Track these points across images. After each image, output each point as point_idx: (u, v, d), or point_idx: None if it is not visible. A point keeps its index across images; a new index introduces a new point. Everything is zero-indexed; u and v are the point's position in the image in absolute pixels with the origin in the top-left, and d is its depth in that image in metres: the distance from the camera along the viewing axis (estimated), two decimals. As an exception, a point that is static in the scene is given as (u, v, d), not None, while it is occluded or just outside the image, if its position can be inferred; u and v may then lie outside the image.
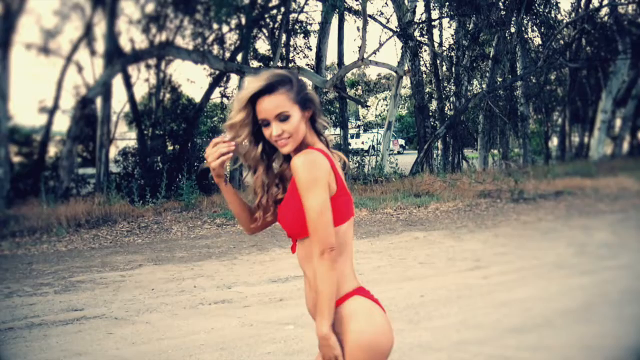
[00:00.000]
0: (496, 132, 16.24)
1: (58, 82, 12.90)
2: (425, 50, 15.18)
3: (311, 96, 2.22)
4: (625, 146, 18.25)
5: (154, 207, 10.64)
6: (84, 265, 7.67)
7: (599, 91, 17.21)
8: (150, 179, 12.12)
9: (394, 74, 14.82)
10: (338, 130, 14.38)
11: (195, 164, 13.20)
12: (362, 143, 18.74)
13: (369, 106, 16.87)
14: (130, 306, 6.00)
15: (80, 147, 13.49)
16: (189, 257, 8.05)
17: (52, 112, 12.87)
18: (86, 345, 5.02)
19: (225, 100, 14.47)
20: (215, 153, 2.20)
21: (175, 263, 7.77)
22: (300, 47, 14.41)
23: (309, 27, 14.21)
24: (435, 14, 15.20)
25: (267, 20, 14.31)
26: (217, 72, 13.80)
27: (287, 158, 2.28)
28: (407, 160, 15.26)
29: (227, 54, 14.10)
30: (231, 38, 14.38)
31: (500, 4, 15.02)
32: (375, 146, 16.06)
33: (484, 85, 15.72)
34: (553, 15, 15.87)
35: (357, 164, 13.86)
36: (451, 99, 15.45)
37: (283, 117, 2.14)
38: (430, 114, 15.35)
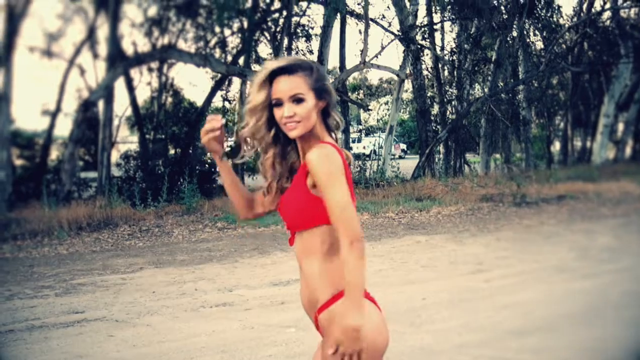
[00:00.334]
0: (498, 136, 16.23)
1: (60, 85, 12.93)
2: (427, 54, 15.18)
3: (328, 88, 2.21)
4: (628, 150, 18.22)
5: (156, 211, 10.63)
6: (85, 268, 7.66)
7: (601, 95, 17.19)
8: (152, 182, 12.12)
9: (396, 77, 14.82)
10: (340, 134, 14.36)
11: (197, 167, 13.20)
12: (364, 148, 18.72)
13: (371, 109, 16.85)
14: (131, 309, 5.98)
15: (82, 150, 13.50)
16: (190, 260, 8.03)
17: (54, 115, 12.89)
18: (87, 347, 5.00)
19: (227, 104, 14.49)
20: (204, 130, 2.25)
21: (176, 266, 7.76)
22: (302, 50, 14.42)
23: (310, 30, 14.22)
24: (437, 18, 15.21)
25: (269, 23, 14.33)
26: (219, 75, 13.82)
27: (295, 149, 2.27)
28: (409, 164, 15.25)
29: (229, 58, 14.12)
30: (233, 42, 14.41)
31: (502, 7, 15.03)
32: (377, 151, 16.04)
33: (485, 90, 15.71)
34: (555, 19, 15.87)
35: (359, 168, 13.85)
36: (453, 102, 15.44)
37: (297, 99, 2.14)
38: (432, 118, 15.34)
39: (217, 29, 14.11)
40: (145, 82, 14.22)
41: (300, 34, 14.18)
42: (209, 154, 14.49)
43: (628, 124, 17.72)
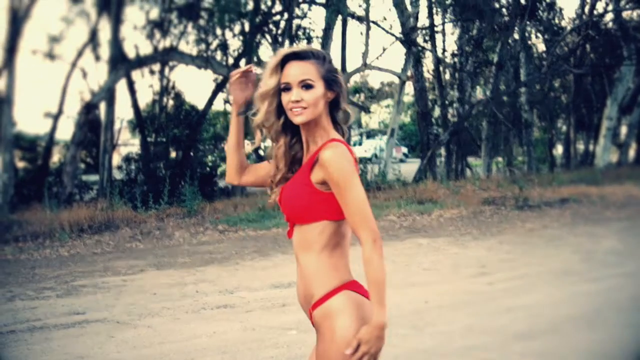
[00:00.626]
0: (500, 139, 16.21)
1: (63, 88, 12.96)
2: (428, 57, 15.17)
3: (339, 80, 2.20)
4: (631, 154, 18.19)
5: (157, 213, 10.61)
6: (86, 270, 7.63)
7: (604, 98, 17.16)
8: (153, 185, 12.11)
9: (397, 80, 14.81)
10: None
11: (198, 170, 13.20)
12: (365, 151, 18.70)
13: (372, 111, 16.84)
14: (132, 310, 5.96)
15: (84, 153, 13.52)
16: (191, 263, 8.01)
17: (56, 117, 12.91)
18: (88, 348, 4.98)
19: (228, 106, 14.48)
20: (234, 72, 2.28)
21: (177, 268, 7.73)
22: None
23: (312, 33, 14.21)
24: (438, 20, 15.22)
25: (271, 26, 14.33)
26: (221, 78, 13.82)
27: (299, 140, 2.25)
28: (410, 168, 15.23)
29: (231, 60, 14.12)
30: (234, 44, 14.43)
31: (504, 10, 15.03)
32: (378, 154, 16.03)
33: (487, 92, 15.70)
34: (557, 22, 15.86)
35: (360, 172, 13.80)
36: (455, 105, 15.42)
37: (306, 85, 2.13)
38: (433, 120, 15.33)
39: (219, 32, 14.13)
40: (147, 84, 14.28)
41: (302, 36, 14.17)
42: (209, 157, 14.61)
43: (631, 127, 17.70)
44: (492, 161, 16.27)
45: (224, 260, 8.12)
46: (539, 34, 16.07)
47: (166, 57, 13.44)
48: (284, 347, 4.96)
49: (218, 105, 14.69)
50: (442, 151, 15.52)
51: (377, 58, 14.00)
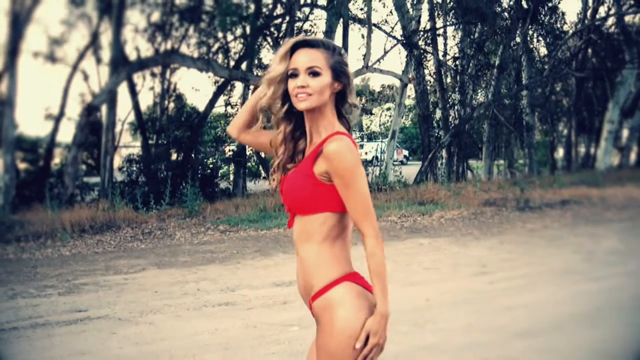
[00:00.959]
0: (501, 141, 16.22)
1: (64, 90, 12.98)
2: (430, 60, 15.19)
3: (348, 72, 2.22)
4: (633, 157, 18.17)
5: (158, 214, 10.62)
6: (88, 269, 7.64)
7: (605, 101, 17.16)
8: (154, 186, 12.13)
9: (398, 83, 14.82)
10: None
11: (199, 171, 13.22)
12: (366, 153, 18.70)
13: (373, 114, 16.86)
14: (134, 308, 5.97)
15: (85, 154, 13.53)
16: (192, 262, 8.02)
17: (58, 119, 12.93)
18: (89, 345, 4.99)
19: (229, 108, 14.50)
20: None
21: (178, 267, 7.74)
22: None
23: (313, 35, 14.23)
24: (440, 23, 15.23)
25: (272, 29, 14.36)
26: (222, 80, 13.84)
27: (303, 130, 2.26)
28: (411, 170, 15.22)
29: (232, 63, 14.15)
30: (236, 47, 14.44)
31: (506, 13, 15.05)
32: (379, 156, 16.02)
33: (489, 95, 15.71)
34: (559, 25, 15.89)
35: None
36: (456, 107, 15.43)
37: (313, 72, 2.14)
38: (435, 123, 15.34)
39: (220, 35, 14.16)
40: (148, 87, 14.29)
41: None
42: (211, 158, 14.63)
43: (633, 130, 17.69)
44: (493, 164, 16.27)
45: (225, 259, 8.12)
46: (540, 38, 16.09)
47: (167, 59, 13.45)
48: (285, 344, 4.97)
49: (219, 108, 14.70)
50: (443, 153, 15.52)
51: (379, 61, 14.00)
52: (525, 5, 15.04)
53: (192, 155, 13.66)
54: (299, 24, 14.17)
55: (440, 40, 15.32)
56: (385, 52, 14.21)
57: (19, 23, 11.73)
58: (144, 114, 14.21)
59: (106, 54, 12.93)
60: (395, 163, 15.33)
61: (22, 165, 12.84)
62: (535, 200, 12.35)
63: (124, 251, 8.81)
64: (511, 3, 15.23)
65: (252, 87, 13.57)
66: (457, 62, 15.34)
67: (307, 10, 14.37)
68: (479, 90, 16.18)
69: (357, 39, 23.66)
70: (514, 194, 12.62)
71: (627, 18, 16.79)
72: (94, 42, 13.16)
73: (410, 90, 15.13)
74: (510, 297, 6.36)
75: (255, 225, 10.08)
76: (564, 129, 18.40)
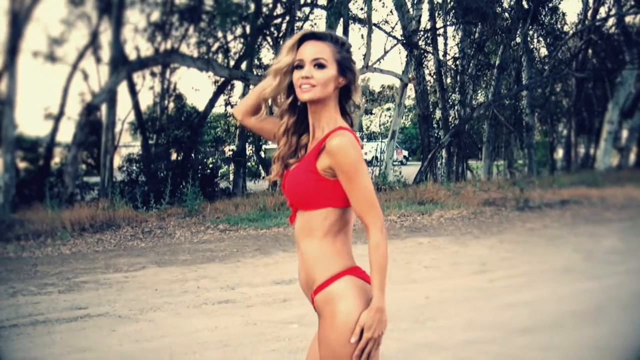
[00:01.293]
0: (501, 141, 16.23)
1: (64, 89, 12.98)
2: (430, 60, 15.20)
3: (354, 69, 2.21)
4: (632, 157, 18.18)
5: (158, 213, 10.63)
6: (88, 267, 7.64)
7: (605, 102, 17.17)
8: (154, 185, 12.13)
9: (398, 83, 14.83)
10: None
11: (200, 168, 13.22)
12: (365, 153, 18.70)
13: (373, 113, 16.86)
14: (134, 305, 5.97)
15: (85, 154, 13.52)
16: (192, 260, 8.02)
17: (57, 118, 12.93)
18: (90, 342, 4.99)
19: (229, 108, 14.50)
20: None
21: (178, 265, 7.74)
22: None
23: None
24: (440, 23, 15.23)
25: (272, 29, 14.37)
26: (222, 80, 13.84)
27: (306, 125, 2.25)
28: (410, 171, 15.23)
29: (232, 62, 14.15)
30: (236, 46, 14.45)
31: (506, 13, 15.06)
32: (379, 156, 16.03)
33: (489, 95, 15.71)
34: (559, 26, 15.90)
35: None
36: (456, 107, 15.43)
37: (319, 64, 2.14)
38: (435, 123, 15.34)
39: (220, 34, 14.16)
40: (148, 86, 14.29)
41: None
42: (211, 158, 14.64)
43: (632, 131, 17.69)
44: (492, 164, 16.27)
45: (225, 258, 8.12)
46: (541, 38, 16.10)
47: (167, 59, 13.46)
48: (285, 341, 4.96)
49: (219, 107, 14.70)
50: (443, 153, 15.53)
51: (379, 60, 14.00)
52: (525, 6, 15.06)
53: (192, 154, 13.66)
54: (299, 23, 14.18)
55: (440, 40, 15.34)
56: (386, 52, 14.23)
57: (18, 22, 11.73)
58: (144, 113, 14.21)
59: (106, 54, 12.95)
60: (395, 163, 15.34)
61: (22, 165, 12.84)
62: (534, 200, 12.35)
63: (124, 250, 8.82)
64: (512, 3, 15.25)
65: (252, 86, 13.60)
66: (457, 62, 15.35)
67: (307, 10, 14.39)
68: (479, 91, 16.19)
69: (357, 39, 23.62)
70: (513, 194, 12.63)
71: (628, 19, 16.81)
72: (93, 41, 13.16)
73: (410, 90, 15.14)
74: (511, 294, 6.36)
75: (255, 224, 10.09)
76: (564, 129, 18.41)
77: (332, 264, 2.15)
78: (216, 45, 14.15)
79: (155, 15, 13.65)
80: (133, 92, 13.59)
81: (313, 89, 2.13)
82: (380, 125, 17.43)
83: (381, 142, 16.03)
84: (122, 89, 13.33)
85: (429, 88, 15.15)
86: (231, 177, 14.34)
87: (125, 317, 5.63)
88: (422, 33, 14.59)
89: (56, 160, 13.21)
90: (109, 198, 11.31)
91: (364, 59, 13.49)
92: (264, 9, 14.17)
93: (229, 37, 14.26)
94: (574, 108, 17.47)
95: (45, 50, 13.00)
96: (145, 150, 13.67)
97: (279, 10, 14.32)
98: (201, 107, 14.25)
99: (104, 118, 12.77)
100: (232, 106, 14.39)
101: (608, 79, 17.05)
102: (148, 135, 13.86)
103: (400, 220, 10.64)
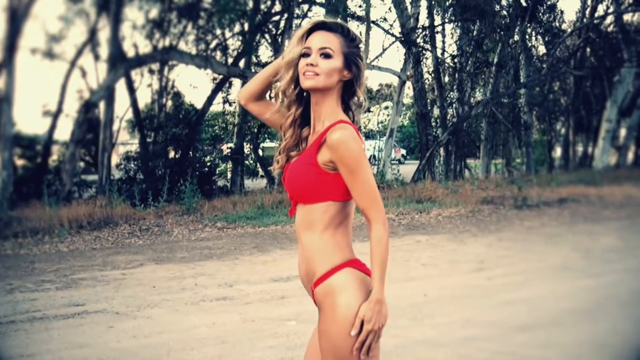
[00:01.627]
0: (499, 139, 16.22)
1: (62, 86, 12.94)
2: (428, 58, 15.18)
3: (360, 64, 2.20)
4: (630, 156, 18.19)
5: (156, 211, 10.61)
6: (86, 264, 7.63)
7: (603, 100, 17.17)
8: (152, 183, 12.11)
9: (396, 81, 14.81)
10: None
11: (197, 166, 13.19)
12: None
13: (371, 111, 16.85)
14: (132, 302, 5.95)
15: (83, 151, 13.49)
16: (190, 258, 8.01)
17: (55, 115, 12.89)
18: (87, 338, 4.98)
19: (227, 106, 14.48)
20: None
21: (176, 263, 7.73)
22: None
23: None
24: (438, 21, 15.21)
25: (270, 26, 14.34)
26: (220, 77, 13.82)
27: (308, 118, 2.24)
28: (408, 169, 15.22)
29: (230, 60, 14.13)
30: (234, 44, 14.42)
31: (504, 11, 15.05)
32: (377, 155, 16.01)
33: (487, 93, 15.71)
34: (557, 24, 15.89)
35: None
36: (454, 105, 15.42)
37: (325, 54, 2.13)
38: (433, 121, 15.33)
39: (218, 31, 14.14)
40: (146, 84, 14.25)
41: (302, 36, 14.14)
42: (209, 156, 14.63)
43: (630, 130, 17.69)
44: (490, 162, 16.26)
45: (223, 255, 8.11)
46: (539, 36, 16.09)
47: (165, 56, 13.42)
48: (283, 337, 4.96)
49: (217, 105, 14.67)
50: (441, 151, 15.51)
51: (377, 58, 14.00)
52: (524, 3, 15.04)
53: (190, 152, 13.63)
54: (297, 21, 14.14)
55: (438, 37, 15.29)
56: (384, 50, 14.20)
57: (16, 19, 11.69)
58: (142, 111, 14.18)
59: (104, 51, 12.90)
60: (393, 162, 15.33)
61: (19, 162, 12.80)
62: (533, 198, 12.35)
63: (121, 247, 8.80)
64: (510, 1, 15.22)
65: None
66: (456, 60, 15.32)
67: (305, 7, 14.35)
68: (477, 89, 16.17)
69: (356, 37, 23.53)
70: (511, 192, 12.63)
71: (626, 17, 16.79)
72: (91, 38, 13.12)
73: (409, 88, 15.12)
74: (509, 292, 6.37)
75: (252, 222, 10.07)
76: (562, 127, 18.41)
77: (332, 257, 2.15)
78: (214, 42, 14.13)
79: (154, 12, 13.62)
80: (131, 90, 13.56)
81: (316, 77, 2.12)
82: (378, 124, 17.41)
83: (379, 140, 16.02)
84: (120, 87, 13.30)
85: (427, 86, 15.13)
86: (229, 175, 14.31)
87: (122, 313, 5.62)
88: (420, 30, 14.56)
89: (54, 157, 13.16)
90: (107, 196, 11.29)
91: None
92: (263, 6, 14.14)
93: (228, 34, 14.24)
94: (572, 106, 17.47)
95: (43, 47, 12.96)
96: (143, 148, 13.64)
97: (278, 7, 14.30)
98: (199, 105, 14.22)
99: (102, 115, 12.74)
100: (230, 104, 14.38)
101: (606, 77, 17.04)
102: (146, 133, 13.83)
103: (398, 219, 10.63)
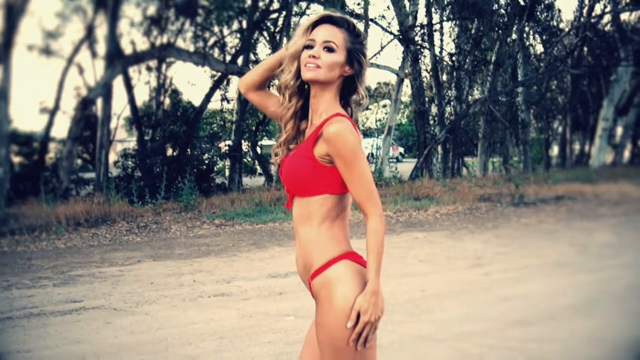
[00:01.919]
0: (497, 137, 16.24)
1: (59, 83, 12.92)
2: (426, 56, 15.18)
3: (363, 61, 2.20)
4: (626, 154, 18.23)
5: (153, 208, 10.61)
6: (83, 261, 7.63)
7: (600, 99, 17.22)
8: (150, 180, 12.10)
9: (394, 79, 14.82)
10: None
11: (195, 163, 13.18)
12: (362, 150, 18.62)
13: (369, 109, 16.85)
14: (129, 298, 5.96)
15: (80, 149, 13.48)
16: (188, 254, 8.01)
17: (52, 112, 12.88)
18: (85, 334, 4.98)
19: (225, 103, 14.46)
20: None
21: (174, 259, 7.73)
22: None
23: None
24: (436, 19, 15.21)
25: (268, 23, 14.34)
26: (218, 74, 13.81)
27: (307, 111, 2.25)
28: (406, 167, 15.24)
29: (228, 57, 14.12)
30: (232, 41, 14.41)
31: (502, 10, 15.06)
32: (375, 153, 16.03)
33: (484, 92, 15.72)
34: (555, 23, 15.90)
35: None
36: (452, 103, 15.44)
37: (328, 48, 2.14)
38: (431, 118, 15.34)
39: (216, 29, 14.13)
40: (143, 81, 14.24)
41: (300, 34, 14.14)
42: (206, 153, 14.63)
43: (627, 128, 17.75)
44: (488, 160, 16.29)
45: (221, 252, 8.12)
46: (537, 35, 16.11)
47: (163, 53, 13.40)
48: (281, 333, 4.97)
49: (215, 103, 14.65)
50: (439, 149, 15.52)
51: (375, 56, 14.00)
52: (521, 2, 15.05)
53: (188, 150, 13.62)
54: (295, 18, 14.15)
55: (436, 36, 15.30)
56: (382, 48, 14.22)
57: (13, 15, 11.67)
58: (140, 108, 14.16)
59: (101, 48, 12.88)
60: (391, 159, 15.34)
61: (16, 159, 12.78)
62: (530, 196, 12.38)
63: (119, 244, 8.80)
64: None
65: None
66: (454, 58, 15.33)
67: (303, 4, 14.35)
68: (475, 87, 16.19)
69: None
70: (509, 190, 12.66)
71: (623, 16, 16.83)
72: (89, 35, 13.10)
73: (407, 86, 15.12)
74: (506, 288, 6.38)
75: (250, 219, 10.08)
76: (559, 126, 18.45)
77: (329, 249, 2.15)
78: (212, 39, 14.12)
79: (152, 9, 13.61)
80: (129, 87, 13.54)
81: (317, 69, 2.12)
82: (376, 122, 17.42)
83: (377, 138, 16.03)
84: (118, 84, 13.29)
85: (425, 84, 15.14)
86: (227, 172, 14.31)
87: (120, 309, 5.62)
88: (418, 29, 14.57)
89: (51, 155, 13.14)
90: (104, 193, 11.29)
91: (360, 54, 13.45)
92: (261, 4, 14.14)
93: (226, 31, 14.22)
94: (569, 105, 17.51)
95: (40, 43, 12.95)
96: (140, 145, 13.63)
97: (276, 4, 14.30)
98: (197, 102, 14.21)
99: (99, 112, 12.73)
100: (228, 101, 14.37)
101: (603, 76, 17.09)
102: (144, 130, 13.81)
103: (396, 216, 10.65)
